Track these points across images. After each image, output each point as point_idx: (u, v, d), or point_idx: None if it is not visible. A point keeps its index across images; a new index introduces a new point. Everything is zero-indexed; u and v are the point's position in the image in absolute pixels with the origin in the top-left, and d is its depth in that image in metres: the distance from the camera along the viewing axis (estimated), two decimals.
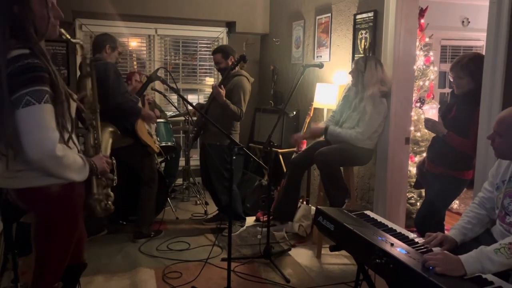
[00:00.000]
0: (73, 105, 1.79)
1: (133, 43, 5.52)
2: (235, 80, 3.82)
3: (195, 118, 4.26)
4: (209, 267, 3.19)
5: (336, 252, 3.31)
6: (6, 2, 1.61)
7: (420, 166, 3.11)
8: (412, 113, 3.67)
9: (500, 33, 2.42)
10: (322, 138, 3.53)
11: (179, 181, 5.21)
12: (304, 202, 4.16)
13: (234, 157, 2.81)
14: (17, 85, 1.58)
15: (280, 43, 5.22)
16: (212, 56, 4.04)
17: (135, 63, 5.60)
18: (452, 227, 2.05)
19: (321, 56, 4.30)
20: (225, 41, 5.58)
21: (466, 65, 2.71)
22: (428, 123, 2.86)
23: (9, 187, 1.76)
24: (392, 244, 1.72)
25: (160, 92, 3.88)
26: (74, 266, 2.03)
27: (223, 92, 3.70)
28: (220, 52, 3.90)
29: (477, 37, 5.96)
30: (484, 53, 2.55)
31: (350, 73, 3.36)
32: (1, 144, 1.65)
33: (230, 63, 3.86)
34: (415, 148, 3.87)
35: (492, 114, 2.47)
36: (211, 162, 3.89)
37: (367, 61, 3.23)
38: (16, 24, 1.63)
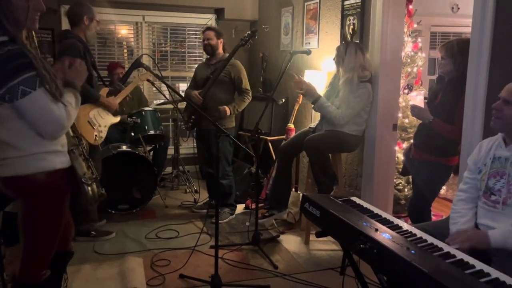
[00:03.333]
0: (58, 79, 1.78)
1: (123, 31, 5.44)
2: (234, 64, 3.84)
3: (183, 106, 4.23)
4: (197, 255, 3.20)
5: (324, 239, 3.36)
6: None
7: (407, 153, 3.12)
8: (400, 100, 3.67)
9: (485, 20, 2.42)
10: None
11: (169, 169, 5.19)
12: (293, 189, 4.17)
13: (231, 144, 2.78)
14: (5, 76, 1.59)
15: (269, 30, 5.18)
16: (201, 40, 4.07)
17: (125, 51, 5.53)
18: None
19: (309, 43, 4.28)
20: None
21: (451, 47, 2.74)
22: (414, 109, 2.87)
23: None
24: (376, 230, 1.72)
25: (149, 81, 3.83)
26: (61, 255, 2.03)
27: (227, 110, 3.78)
28: (214, 30, 3.96)
29: (467, 24, 5.89)
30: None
31: (333, 59, 3.36)
32: None
33: (220, 44, 3.90)
34: (403, 135, 3.89)
35: (477, 100, 2.48)
36: (212, 146, 3.86)
37: (347, 47, 3.27)
38: None
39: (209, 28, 4.00)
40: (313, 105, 3.38)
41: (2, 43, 1.59)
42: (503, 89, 1.96)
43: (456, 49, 2.70)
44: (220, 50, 3.93)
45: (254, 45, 5.64)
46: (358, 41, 3.51)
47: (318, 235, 2.08)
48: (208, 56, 4.03)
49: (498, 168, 1.98)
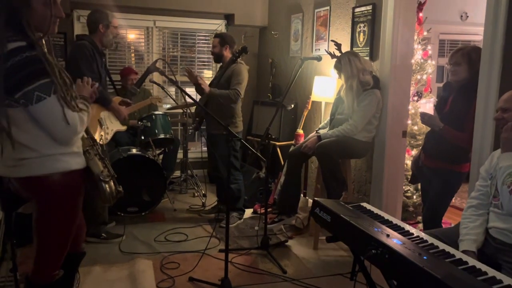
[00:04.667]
0: (73, 88, 1.85)
1: (131, 35, 5.50)
2: (232, 67, 3.85)
3: (193, 111, 4.27)
4: (206, 258, 3.22)
5: (333, 244, 3.36)
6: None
7: (416, 161, 3.12)
8: (410, 107, 3.68)
9: (497, 27, 2.43)
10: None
11: (177, 173, 5.22)
12: (302, 195, 4.19)
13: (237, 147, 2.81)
14: (21, 81, 1.64)
15: (278, 36, 5.22)
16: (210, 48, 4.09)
17: (133, 55, 5.59)
18: (462, 239, 2.06)
19: (319, 49, 4.30)
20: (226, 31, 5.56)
21: (468, 53, 2.73)
22: (424, 117, 2.88)
23: (12, 175, 1.79)
24: (388, 235, 1.73)
25: (158, 84, 3.89)
26: (73, 255, 2.05)
27: (203, 82, 3.77)
28: (219, 37, 3.97)
29: (475, 32, 5.96)
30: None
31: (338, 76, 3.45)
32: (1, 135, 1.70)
33: (224, 51, 3.92)
34: (411, 142, 3.89)
35: (489, 107, 2.49)
36: (218, 151, 3.90)
37: (341, 59, 3.33)
38: (13, 17, 1.65)
39: (216, 35, 4.04)
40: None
41: (19, 49, 1.64)
42: (498, 101, 2.06)
43: (474, 56, 2.69)
44: (227, 56, 3.94)
45: (264, 50, 5.69)
46: (350, 50, 3.60)
47: (329, 240, 2.09)
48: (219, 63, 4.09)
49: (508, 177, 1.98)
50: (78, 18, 4.95)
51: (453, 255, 1.65)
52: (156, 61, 3.45)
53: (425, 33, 3.98)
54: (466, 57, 2.72)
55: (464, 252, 1.93)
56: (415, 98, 3.93)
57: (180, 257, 3.27)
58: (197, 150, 5.14)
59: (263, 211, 3.53)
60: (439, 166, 2.84)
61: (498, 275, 1.48)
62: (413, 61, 3.65)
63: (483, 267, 1.54)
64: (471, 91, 2.63)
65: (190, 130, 4.98)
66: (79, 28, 4.96)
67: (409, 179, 3.61)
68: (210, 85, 3.92)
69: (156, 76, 4.83)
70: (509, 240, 1.93)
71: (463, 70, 2.74)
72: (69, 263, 2.03)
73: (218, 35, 4.01)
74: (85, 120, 1.83)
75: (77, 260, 2.15)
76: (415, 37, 3.71)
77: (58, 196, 1.79)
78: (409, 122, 3.74)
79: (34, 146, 1.73)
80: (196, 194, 4.84)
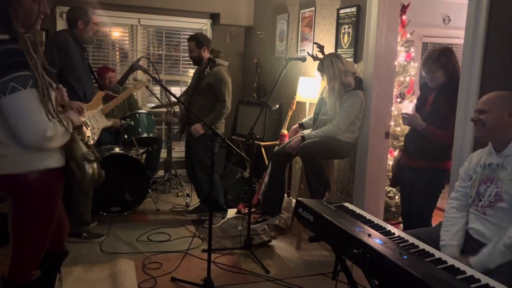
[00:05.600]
0: (52, 94, 1.77)
1: (116, 33, 5.44)
2: (214, 72, 3.81)
3: (177, 110, 4.24)
4: (189, 258, 3.20)
5: (316, 244, 3.38)
6: None
7: (398, 163, 3.14)
8: (393, 108, 3.72)
9: (478, 31, 2.48)
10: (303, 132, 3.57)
11: (161, 173, 5.18)
12: (285, 195, 4.20)
13: (216, 149, 2.81)
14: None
15: (264, 36, 5.22)
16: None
17: (117, 53, 5.53)
18: (445, 245, 2.08)
19: (304, 50, 4.32)
20: (209, 33, 5.55)
21: (438, 59, 2.80)
22: (406, 118, 2.91)
23: None
24: (369, 235, 1.75)
25: (147, 88, 3.84)
26: (55, 254, 2.02)
27: (199, 128, 3.76)
28: (194, 40, 3.87)
29: (457, 35, 6.04)
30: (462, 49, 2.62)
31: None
32: None
33: (203, 53, 3.85)
34: (394, 143, 3.93)
35: (469, 106, 2.55)
36: (195, 152, 3.89)
37: (323, 61, 3.36)
38: (0, 9, 1.61)
39: (190, 39, 3.90)
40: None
41: (1, 41, 1.60)
42: (479, 102, 2.10)
43: (444, 60, 2.78)
44: (205, 57, 3.87)
45: (249, 50, 5.69)
46: (335, 51, 3.65)
47: (311, 239, 2.10)
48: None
49: (488, 174, 2.03)
50: (61, 15, 4.87)
51: (433, 255, 1.67)
52: (139, 58, 3.42)
53: (408, 36, 4.04)
54: (437, 63, 2.80)
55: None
56: (398, 100, 3.97)
57: (162, 257, 3.24)
58: (181, 149, 5.11)
59: (246, 211, 3.53)
60: (422, 165, 2.87)
61: (476, 274, 1.51)
62: (396, 63, 3.70)
63: (462, 266, 1.57)
64: (451, 90, 2.69)
65: (175, 130, 4.95)
66: (62, 25, 4.87)
67: (390, 183, 3.64)
68: (188, 90, 3.87)
69: (140, 74, 4.79)
70: (487, 241, 1.97)
71: (440, 76, 2.82)
72: (51, 262, 1.99)
73: (192, 38, 3.88)
74: (60, 133, 1.69)
75: (59, 259, 2.11)
76: (398, 40, 3.75)
77: (34, 196, 1.75)
78: (392, 123, 3.78)
79: (10, 142, 1.66)
80: (179, 194, 4.82)
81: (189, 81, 5.66)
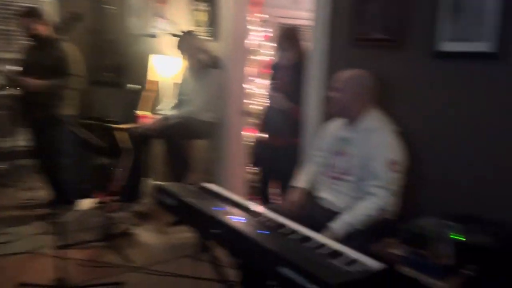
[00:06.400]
0: None
1: None
2: (60, 48, 3.42)
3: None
4: (41, 258, 2.90)
5: (181, 227, 3.33)
6: None
7: (259, 145, 3.23)
8: (248, 87, 3.81)
9: (323, 12, 2.64)
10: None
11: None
12: (148, 179, 4.04)
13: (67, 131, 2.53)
14: None
15: (115, 11, 4.87)
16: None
17: None
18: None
19: (157, 27, 4.14)
20: (52, 6, 4.95)
21: (289, 38, 2.96)
22: (274, 98, 3.01)
23: None
24: (227, 213, 1.76)
25: None
26: None
27: (33, 82, 3.35)
28: (29, 16, 3.43)
29: (307, 17, 6.44)
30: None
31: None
32: None
33: (42, 28, 3.43)
34: (249, 121, 4.04)
35: (317, 84, 2.71)
36: (46, 137, 3.47)
37: (180, 39, 3.38)
38: None
39: (22, 15, 3.46)
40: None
41: None
42: (334, 79, 2.22)
43: (294, 38, 2.95)
44: (44, 31, 3.46)
45: (98, 26, 5.24)
46: (190, 30, 3.59)
47: (174, 224, 2.05)
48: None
49: (339, 147, 2.19)
50: None
51: (285, 226, 1.74)
52: None
53: (267, 16, 4.15)
54: (288, 41, 2.96)
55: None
56: (254, 79, 4.08)
57: (5, 262, 2.86)
58: (27, 137, 4.54)
59: (106, 199, 3.31)
60: (287, 142, 2.99)
61: (328, 243, 1.61)
62: (254, 43, 3.78)
63: (312, 234, 1.67)
64: (302, 68, 2.84)
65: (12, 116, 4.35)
66: None
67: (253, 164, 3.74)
68: (35, 64, 3.43)
69: None
70: (337, 209, 2.13)
71: (291, 54, 2.96)
72: None
73: (26, 14, 3.45)
74: None
75: None
76: (254, 19, 3.83)
77: None
78: (248, 101, 3.87)
79: None
80: (25, 188, 4.30)
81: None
